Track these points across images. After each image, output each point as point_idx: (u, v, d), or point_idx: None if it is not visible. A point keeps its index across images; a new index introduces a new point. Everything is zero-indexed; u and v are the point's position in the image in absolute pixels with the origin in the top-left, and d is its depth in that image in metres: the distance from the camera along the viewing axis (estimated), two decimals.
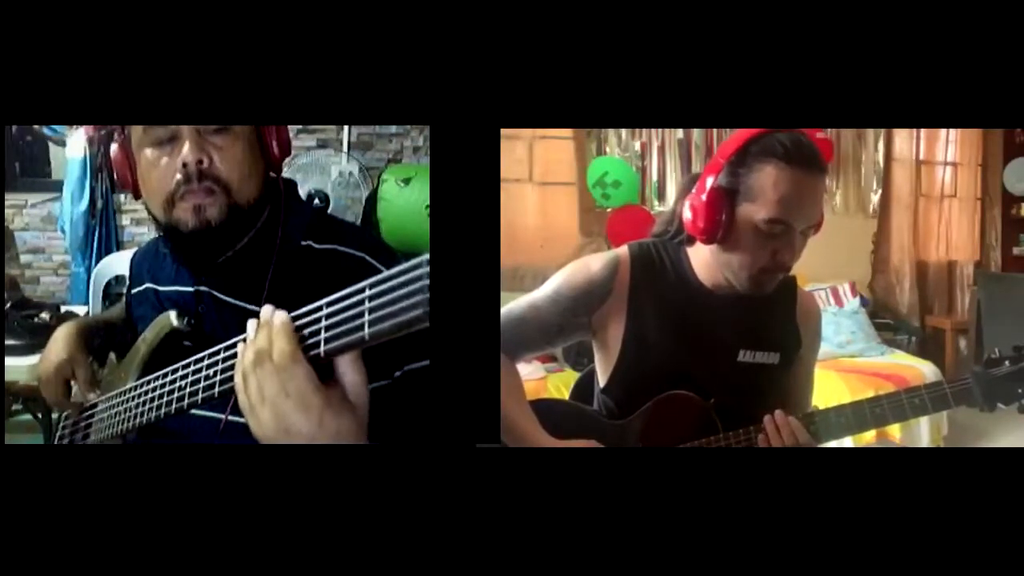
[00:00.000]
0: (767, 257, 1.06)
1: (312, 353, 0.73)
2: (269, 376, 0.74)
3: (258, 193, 1.05)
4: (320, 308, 0.73)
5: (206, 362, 0.85)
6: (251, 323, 0.78)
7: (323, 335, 0.72)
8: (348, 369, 0.75)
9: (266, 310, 0.77)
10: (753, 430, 1.10)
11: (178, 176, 0.99)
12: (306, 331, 0.74)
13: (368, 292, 0.68)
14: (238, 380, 0.77)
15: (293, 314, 0.76)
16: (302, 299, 0.77)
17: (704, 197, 1.06)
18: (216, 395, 0.83)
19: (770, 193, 1.04)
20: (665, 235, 1.18)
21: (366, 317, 0.68)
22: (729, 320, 1.13)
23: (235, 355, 0.80)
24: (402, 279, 0.66)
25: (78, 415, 1.18)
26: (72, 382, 1.17)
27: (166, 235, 1.06)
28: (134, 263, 1.24)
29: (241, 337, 0.79)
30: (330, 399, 0.73)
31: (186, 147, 0.99)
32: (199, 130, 1.00)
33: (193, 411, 0.89)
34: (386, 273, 0.67)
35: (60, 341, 1.18)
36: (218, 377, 0.83)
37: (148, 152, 1.02)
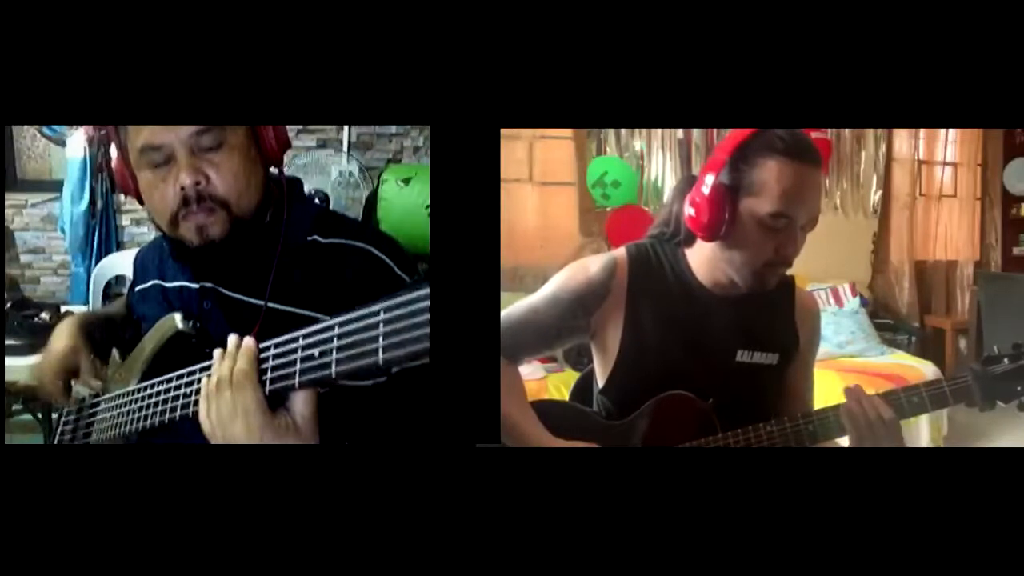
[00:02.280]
0: (770, 252, 1.07)
1: (285, 384, 0.79)
2: (225, 401, 0.82)
3: (259, 197, 1.05)
4: (296, 339, 0.77)
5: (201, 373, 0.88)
6: (217, 352, 0.85)
7: (298, 367, 0.77)
8: (299, 401, 0.81)
9: (231, 339, 0.84)
10: (751, 430, 1.10)
11: (178, 199, 0.99)
12: (281, 360, 0.79)
13: (383, 316, 0.69)
14: (202, 406, 0.84)
15: (270, 342, 0.82)
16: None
17: (707, 192, 1.07)
18: None
19: (773, 187, 1.04)
20: (662, 236, 1.18)
21: (380, 343, 0.69)
22: (727, 320, 1.13)
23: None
24: (414, 308, 0.66)
25: (77, 412, 1.18)
26: (73, 380, 1.18)
27: (172, 245, 1.07)
28: (138, 260, 1.24)
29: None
30: (275, 423, 0.80)
31: (182, 171, 0.98)
32: (193, 149, 0.99)
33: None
34: (397, 300, 0.68)
35: (63, 332, 1.19)
36: None
37: (146, 173, 1.02)
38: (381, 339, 0.67)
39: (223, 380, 0.82)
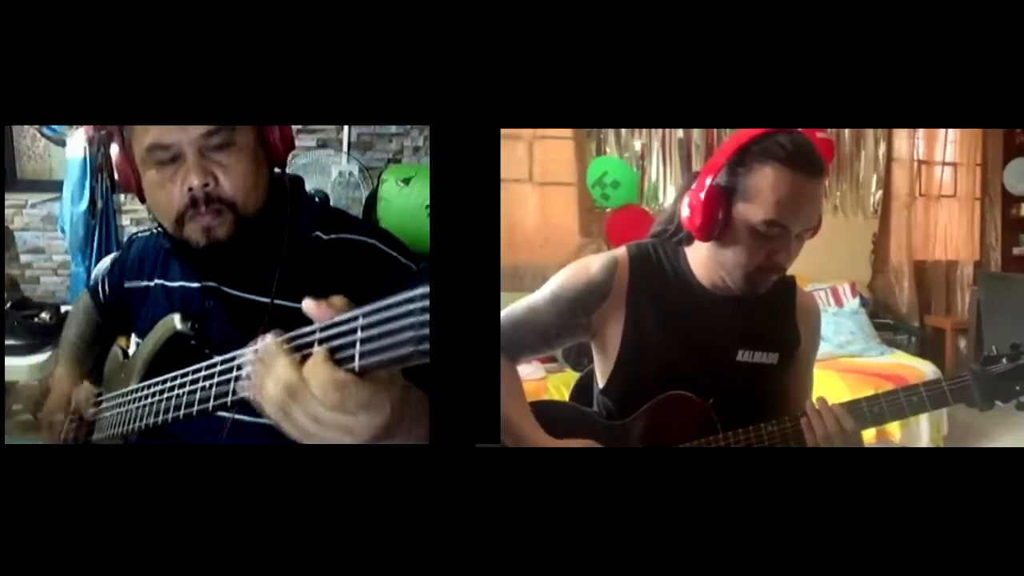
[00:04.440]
0: (762, 258, 1.06)
1: (347, 367, 0.66)
2: (313, 403, 0.67)
3: (264, 197, 1.05)
4: (356, 318, 0.66)
5: (218, 368, 0.82)
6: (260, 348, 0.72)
7: (358, 348, 0.65)
8: None
9: (268, 339, 0.71)
10: (752, 430, 1.10)
11: (185, 200, 0.99)
12: (336, 343, 0.67)
13: (361, 321, 0.65)
14: (275, 415, 0.70)
15: (291, 334, 0.70)
16: (314, 288, 0.76)
17: (702, 195, 1.07)
18: (229, 404, 0.79)
19: (768, 195, 1.04)
20: (664, 234, 1.18)
21: (357, 348, 0.64)
22: (728, 320, 1.13)
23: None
24: (397, 311, 0.62)
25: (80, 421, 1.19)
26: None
27: (177, 247, 1.07)
28: (134, 249, 1.23)
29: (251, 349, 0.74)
30: (380, 384, 0.68)
31: (190, 172, 0.98)
32: (201, 150, 0.99)
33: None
34: (380, 303, 0.63)
35: (58, 387, 1.25)
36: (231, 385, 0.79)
37: (152, 173, 1.01)
38: (358, 344, 0.64)
39: (292, 386, 0.68)
